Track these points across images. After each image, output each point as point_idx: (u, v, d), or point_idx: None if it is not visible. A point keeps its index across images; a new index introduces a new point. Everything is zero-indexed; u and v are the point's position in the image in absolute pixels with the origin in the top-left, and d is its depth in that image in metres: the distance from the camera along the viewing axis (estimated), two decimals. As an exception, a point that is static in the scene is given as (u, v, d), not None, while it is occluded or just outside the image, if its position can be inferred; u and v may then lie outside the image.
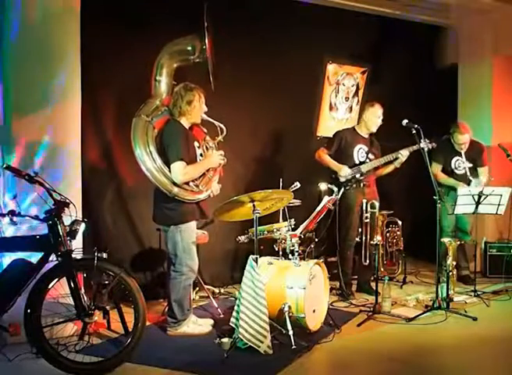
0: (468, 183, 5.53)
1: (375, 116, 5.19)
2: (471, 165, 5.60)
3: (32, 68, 4.02)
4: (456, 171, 5.65)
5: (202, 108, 4.14)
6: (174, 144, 3.96)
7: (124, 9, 4.84)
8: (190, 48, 4.33)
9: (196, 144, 4.16)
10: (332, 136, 5.44)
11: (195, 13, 4.80)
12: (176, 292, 4.09)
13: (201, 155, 4.17)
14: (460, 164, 5.62)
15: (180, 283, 4.09)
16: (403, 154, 5.12)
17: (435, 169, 5.63)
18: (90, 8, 4.34)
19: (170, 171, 3.96)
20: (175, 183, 3.96)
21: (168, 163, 3.97)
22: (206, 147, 4.22)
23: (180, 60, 4.36)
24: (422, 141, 4.85)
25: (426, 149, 4.83)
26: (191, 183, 4.03)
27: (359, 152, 5.23)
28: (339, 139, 5.25)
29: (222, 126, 4.20)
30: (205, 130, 4.27)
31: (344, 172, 5.13)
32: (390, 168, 5.28)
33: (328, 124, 6.50)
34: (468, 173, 5.59)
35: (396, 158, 5.15)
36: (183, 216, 4.05)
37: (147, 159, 4.02)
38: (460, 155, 5.61)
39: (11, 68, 4.03)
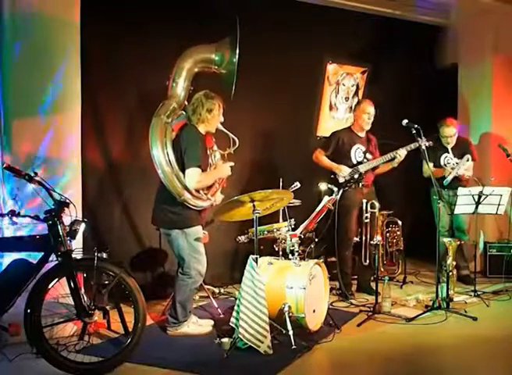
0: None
1: (363, 113, 5.18)
2: (460, 160, 5.60)
3: (32, 69, 4.02)
4: (446, 167, 5.66)
5: (220, 118, 4.15)
6: (192, 149, 3.93)
7: (124, 11, 4.84)
8: (217, 58, 4.30)
9: (208, 151, 4.16)
10: (328, 136, 5.44)
11: (195, 14, 4.82)
12: (181, 294, 4.08)
13: (209, 164, 4.16)
14: (450, 160, 5.64)
15: (187, 286, 4.08)
16: (401, 153, 5.11)
17: (426, 168, 5.66)
18: (89, 9, 4.34)
19: (184, 176, 3.93)
20: (186, 189, 3.94)
21: (183, 168, 3.95)
22: (214, 156, 4.22)
23: (202, 67, 4.34)
24: (419, 139, 4.84)
25: (424, 147, 4.82)
26: (201, 191, 4.03)
27: (356, 152, 5.22)
28: (336, 140, 5.25)
29: (235, 138, 4.18)
30: (213, 139, 4.27)
31: (343, 172, 5.13)
32: (388, 167, 5.28)
33: (328, 124, 6.50)
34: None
35: (394, 158, 5.15)
36: (187, 221, 4.03)
37: (163, 160, 3.96)
38: (447, 151, 5.63)
39: (11, 69, 4.03)
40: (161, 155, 3.97)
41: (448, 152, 5.63)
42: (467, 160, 5.49)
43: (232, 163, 4.17)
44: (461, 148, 5.66)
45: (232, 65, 4.21)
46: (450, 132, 5.58)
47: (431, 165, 5.64)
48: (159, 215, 4.11)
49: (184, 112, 4.19)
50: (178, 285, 4.10)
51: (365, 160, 5.20)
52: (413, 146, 5.02)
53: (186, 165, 3.92)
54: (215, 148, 4.24)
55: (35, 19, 4.01)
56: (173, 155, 3.98)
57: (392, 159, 5.16)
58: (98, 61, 4.75)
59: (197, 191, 4.00)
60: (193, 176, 3.91)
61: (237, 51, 4.17)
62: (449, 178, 5.41)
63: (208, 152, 4.15)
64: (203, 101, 4.04)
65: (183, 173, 3.94)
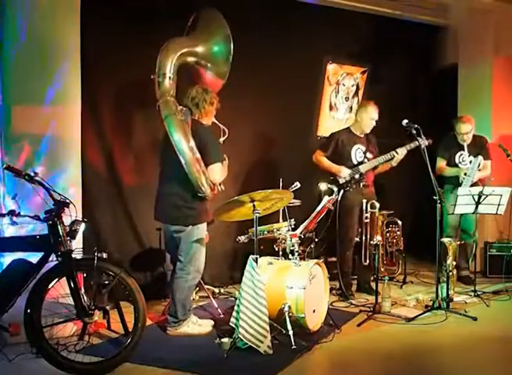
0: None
1: (368, 117, 5.17)
2: (473, 160, 5.58)
3: (32, 67, 4.02)
4: (460, 165, 5.63)
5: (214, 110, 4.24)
6: (213, 145, 4.05)
7: (124, 7, 4.84)
8: (216, 49, 4.41)
9: None
10: (327, 137, 5.44)
11: (195, 12, 4.80)
12: (180, 291, 4.09)
13: None
14: (465, 158, 5.62)
15: (186, 282, 4.09)
16: (400, 152, 5.11)
17: (440, 163, 5.66)
18: (90, 6, 4.34)
19: (208, 171, 4.00)
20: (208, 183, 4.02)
21: (205, 164, 4.00)
22: None
23: (187, 61, 4.38)
24: (419, 138, 4.84)
25: (423, 146, 4.82)
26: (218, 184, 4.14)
27: (356, 152, 5.22)
28: (336, 140, 5.24)
29: (225, 128, 4.26)
30: None
31: (343, 173, 5.13)
32: (388, 166, 5.27)
33: (328, 124, 6.50)
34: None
35: (393, 157, 5.15)
36: (202, 216, 4.11)
37: (190, 158, 3.92)
38: (463, 148, 5.60)
39: (11, 67, 4.03)
40: (189, 153, 3.93)
41: (463, 150, 5.61)
42: (479, 164, 5.44)
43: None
44: (477, 146, 5.62)
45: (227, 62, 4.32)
46: (466, 129, 5.52)
47: (444, 162, 5.66)
48: (173, 212, 4.09)
49: (183, 108, 4.18)
50: (176, 283, 4.10)
51: (366, 160, 5.20)
52: (412, 145, 5.02)
53: (210, 160, 4.00)
54: None
55: (36, 14, 4.02)
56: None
57: (392, 158, 5.16)
58: (99, 58, 4.74)
59: (214, 184, 4.09)
60: (219, 171, 4.05)
61: (231, 46, 4.28)
62: (466, 183, 5.35)
63: None
64: (204, 96, 4.12)
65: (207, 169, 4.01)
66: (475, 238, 5.66)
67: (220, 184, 4.17)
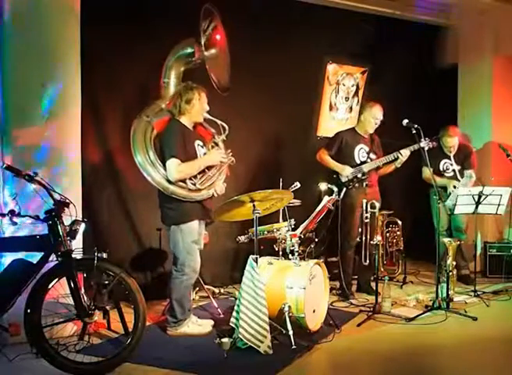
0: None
1: (372, 117, 5.18)
2: (459, 167, 5.62)
3: (32, 69, 4.02)
4: (444, 173, 5.69)
5: (203, 107, 4.13)
6: (169, 141, 3.98)
7: (125, 10, 4.84)
8: (190, 51, 4.34)
9: (198, 142, 4.16)
10: (332, 136, 5.45)
11: (197, 14, 4.81)
12: (176, 291, 4.09)
13: (205, 154, 4.19)
14: (449, 166, 5.67)
15: (181, 282, 4.09)
16: (404, 153, 5.13)
17: (427, 171, 5.66)
18: (90, 8, 4.33)
19: (165, 169, 3.98)
20: (169, 181, 3.97)
21: (164, 161, 4.00)
22: (212, 146, 4.26)
23: (185, 63, 4.39)
24: (423, 140, 4.86)
25: (426, 148, 4.84)
26: (188, 182, 4.00)
27: (360, 152, 5.23)
28: (340, 140, 5.26)
29: (224, 124, 4.22)
30: (213, 130, 4.28)
31: (346, 172, 5.14)
32: (391, 167, 5.29)
33: (328, 124, 6.50)
34: (458, 175, 5.63)
35: (397, 158, 5.16)
36: (183, 216, 4.05)
37: (146, 162, 4.02)
38: (448, 157, 5.65)
39: (11, 69, 4.02)
40: (144, 159, 4.04)
41: (448, 158, 5.64)
42: (470, 177, 5.47)
43: (222, 150, 4.21)
44: (462, 155, 5.67)
45: (203, 55, 4.28)
46: (453, 142, 5.60)
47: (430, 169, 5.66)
48: (161, 212, 4.15)
49: (168, 109, 4.20)
50: (172, 282, 4.12)
51: (369, 160, 5.21)
52: (416, 147, 5.03)
53: (165, 158, 3.97)
54: (216, 137, 4.27)
55: (36, 17, 4.01)
56: (155, 152, 4.05)
57: (395, 159, 5.17)
58: (99, 61, 4.74)
59: (183, 181, 3.99)
60: (171, 167, 3.94)
61: (202, 41, 4.23)
62: (453, 198, 5.35)
63: (199, 143, 4.16)
64: (181, 93, 4.08)
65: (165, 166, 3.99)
66: (467, 235, 5.65)
67: (197, 184, 4.10)
